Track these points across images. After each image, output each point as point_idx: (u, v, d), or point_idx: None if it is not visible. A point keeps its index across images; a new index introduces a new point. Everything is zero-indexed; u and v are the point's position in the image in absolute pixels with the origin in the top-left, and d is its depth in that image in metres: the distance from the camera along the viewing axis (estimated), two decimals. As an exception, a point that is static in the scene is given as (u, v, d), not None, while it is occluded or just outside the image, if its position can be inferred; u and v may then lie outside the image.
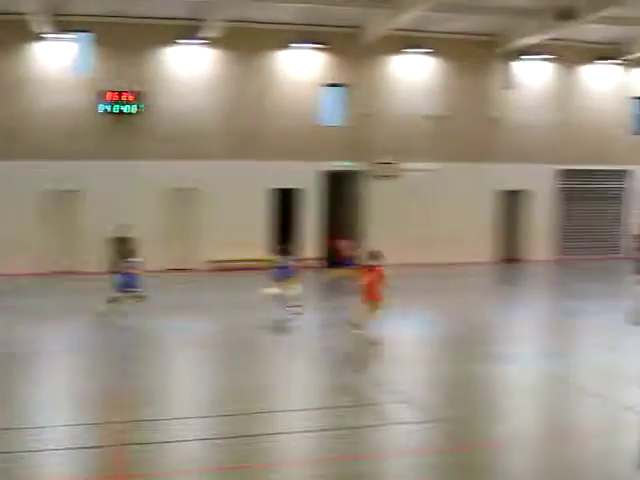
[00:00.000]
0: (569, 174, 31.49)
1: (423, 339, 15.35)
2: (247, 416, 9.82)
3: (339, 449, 8.66)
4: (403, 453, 8.78)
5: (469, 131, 29.73)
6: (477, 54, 29.71)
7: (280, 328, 15.96)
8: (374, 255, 13.96)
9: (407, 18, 25.54)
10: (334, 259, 22.51)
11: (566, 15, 22.52)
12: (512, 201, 31.06)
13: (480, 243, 29.71)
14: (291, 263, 17.43)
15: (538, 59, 30.57)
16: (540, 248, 31.07)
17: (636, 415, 9.65)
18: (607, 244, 32.14)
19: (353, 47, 28.18)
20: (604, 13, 25.03)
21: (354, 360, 12.90)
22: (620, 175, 32.50)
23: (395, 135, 28.77)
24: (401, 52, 28.96)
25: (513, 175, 30.28)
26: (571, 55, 31.04)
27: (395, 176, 28.76)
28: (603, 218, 32.40)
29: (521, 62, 30.47)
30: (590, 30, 28.80)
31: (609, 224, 32.41)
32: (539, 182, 30.86)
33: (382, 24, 26.68)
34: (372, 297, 13.53)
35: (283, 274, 17.09)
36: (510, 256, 31.10)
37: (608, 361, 13.35)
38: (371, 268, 13.81)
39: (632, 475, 6.99)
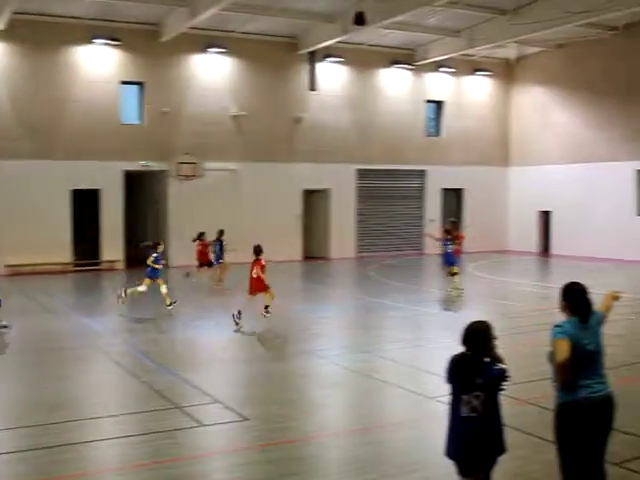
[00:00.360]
0: (369, 174, 32.58)
1: (231, 338, 15.32)
2: (53, 426, 9.35)
3: (152, 454, 8.39)
4: (217, 453, 8.65)
5: (271, 131, 30.07)
6: (278, 55, 30.12)
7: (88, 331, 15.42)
8: (258, 249, 16.06)
9: (205, 17, 25.37)
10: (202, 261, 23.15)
11: (360, 20, 23.27)
12: (315, 200, 31.71)
13: (285, 242, 30.08)
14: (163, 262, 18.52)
15: (338, 62, 31.41)
16: (344, 246, 31.91)
17: (439, 404, 10.08)
18: (408, 241, 33.54)
19: (151, 45, 27.75)
20: (397, 18, 26.13)
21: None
22: (418, 175, 34.01)
23: (196, 134, 28.62)
24: (201, 51, 28.85)
25: (315, 174, 30.94)
26: (369, 59, 32.15)
27: (197, 176, 28.57)
28: (403, 216, 33.81)
29: (322, 64, 31.18)
30: (386, 35, 29.98)
31: (409, 221, 33.84)
32: (340, 181, 31.71)
33: (180, 22, 26.37)
34: (260, 285, 15.98)
35: (155, 273, 18.05)
36: (315, 254, 31.75)
37: (410, 354, 13.85)
38: (256, 261, 15.96)
39: (438, 462, 7.29)
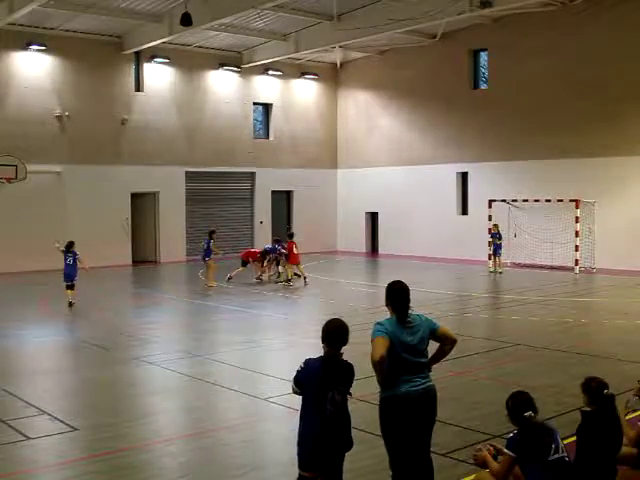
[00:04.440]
0: (198, 176, 32.34)
1: (56, 347, 14.77)
2: None
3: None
4: (46, 467, 8.28)
5: (97, 132, 29.28)
6: (102, 54, 29.36)
7: None
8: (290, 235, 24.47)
9: (24, 13, 24.22)
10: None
11: (186, 20, 23.08)
12: (144, 203, 31.12)
13: (113, 246, 29.39)
14: None
15: (165, 63, 31.00)
16: (174, 249, 31.48)
17: (272, 405, 10.13)
18: (239, 242, 33.46)
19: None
20: (224, 20, 26.10)
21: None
22: (247, 177, 34.10)
23: (17, 135, 27.35)
24: (21, 48, 27.67)
25: (143, 177, 30.38)
26: (197, 60, 31.95)
27: (19, 179, 27.23)
28: (235, 218, 33.78)
29: (149, 65, 30.68)
30: (213, 37, 29.88)
31: (239, 223, 33.86)
32: (169, 184, 31.29)
33: (-3, 17, 25.10)
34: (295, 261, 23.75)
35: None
36: (145, 258, 31.17)
37: (242, 356, 13.82)
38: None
39: (273, 462, 7.36)
